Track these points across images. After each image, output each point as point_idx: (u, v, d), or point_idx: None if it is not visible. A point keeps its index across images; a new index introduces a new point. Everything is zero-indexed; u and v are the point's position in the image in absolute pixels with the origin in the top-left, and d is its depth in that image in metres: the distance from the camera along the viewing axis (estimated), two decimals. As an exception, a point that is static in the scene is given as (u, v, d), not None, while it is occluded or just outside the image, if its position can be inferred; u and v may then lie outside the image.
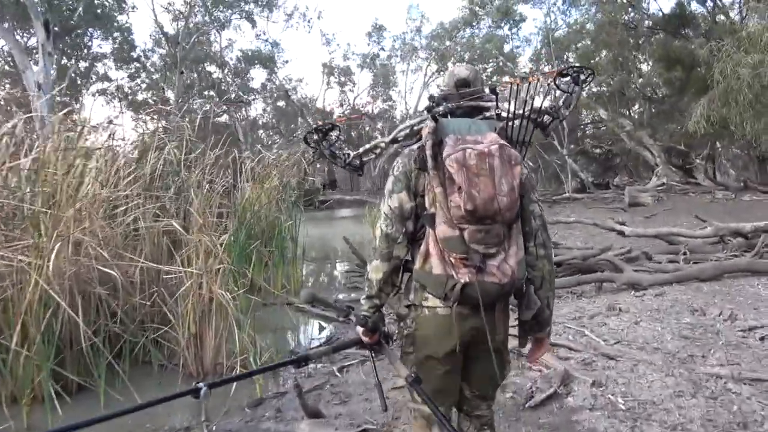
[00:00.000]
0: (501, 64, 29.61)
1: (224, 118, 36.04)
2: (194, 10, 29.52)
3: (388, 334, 1.73)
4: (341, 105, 38.05)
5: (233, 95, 34.41)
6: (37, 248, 3.28)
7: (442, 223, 1.54)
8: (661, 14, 20.50)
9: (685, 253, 6.59)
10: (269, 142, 37.68)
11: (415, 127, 2.00)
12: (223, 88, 34.33)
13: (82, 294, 3.59)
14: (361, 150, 2.23)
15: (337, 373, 3.77)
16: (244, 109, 36.76)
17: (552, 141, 24.42)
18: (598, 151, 28.94)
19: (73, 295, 3.40)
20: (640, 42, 21.69)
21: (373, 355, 1.73)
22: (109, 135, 5.96)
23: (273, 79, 36.10)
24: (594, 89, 24.91)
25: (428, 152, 1.54)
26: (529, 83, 1.77)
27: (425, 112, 1.78)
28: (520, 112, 1.77)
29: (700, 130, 10.74)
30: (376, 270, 1.67)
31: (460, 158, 1.49)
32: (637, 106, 26.26)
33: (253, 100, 37.47)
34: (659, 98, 23.00)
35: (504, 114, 1.74)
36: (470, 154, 1.50)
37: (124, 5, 26.29)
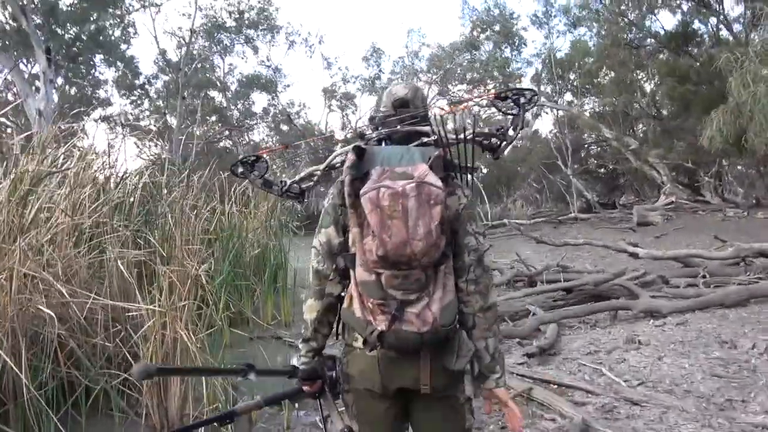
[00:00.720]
0: (502, 85, 29.45)
1: (228, 143, 36.06)
2: (196, 36, 29.63)
3: (335, 379, 1.59)
4: (343, 128, 37.94)
5: (235, 120, 34.42)
6: (-27, 286, 2.88)
7: (360, 265, 1.43)
8: (663, 32, 20.30)
9: (704, 276, 6.12)
10: (272, 166, 37.52)
11: (344, 154, 1.83)
12: (225, 113, 34.35)
13: (31, 336, 3.17)
14: (296, 177, 2.14)
15: (320, 424, 3.32)
16: (246, 133, 36.76)
17: (556, 161, 24.09)
18: (602, 170, 28.60)
19: (17, 338, 2.97)
20: (644, 62, 21.48)
21: (320, 403, 1.61)
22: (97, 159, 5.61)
23: (275, 103, 36.12)
24: (597, 109, 24.69)
25: (346, 188, 1.42)
26: (462, 110, 1.70)
27: (358, 138, 1.64)
28: (461, 136, 1.61)
29: (715, 145, 10.31)
30: (310, 309, 1.58)
31: (374, 198, 1.35)
32: (641, 126, 25.95)
33: (255, 124, 37.50)
34: (664, 116, 22.67)
35: (444, 138, 1.58)
36: (384, 193, 1.35)
37: (127, 32, 26.43)
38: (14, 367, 2.79)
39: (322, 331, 1.59)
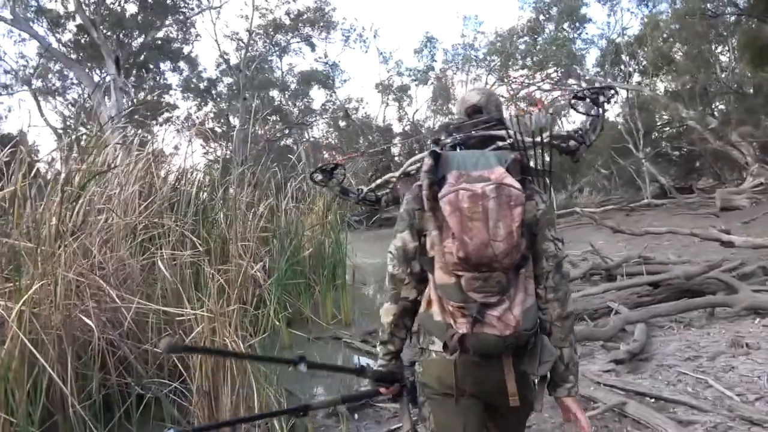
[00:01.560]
0: (562, 68, 28.14)
1: (289, 141, 36.67)
2: (254, 38, 30.19)
3: (413, 386, 1.57)
4: (400, 120, 37.64)
5: (295, 118, 34.91)
6: (18, 292, 2.76)
7: (439, 268, 1.43)
8: (744, -1, 18.57)
9: (816, 267, 5.36)
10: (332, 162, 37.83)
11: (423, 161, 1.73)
12: (285, 112, 34.89)
13: (80, 343, 3.05)
14: (372, 185, 2.20)
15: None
16: (306, 131, 37.22)
17: (626, 144, 22.71)
18: (677, 153, 26.76)
19: (63, 347, 2.84)
20: (723, 33, 19.83)
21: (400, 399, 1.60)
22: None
23: (333, 99, 36.32)
24: (671, 88, 23.03)
25: (425, 192, 1.42)
26: (539, 109, 1.62)
27: (433, 144, 1.59)
28: (538, 139, 1.56)
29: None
30: (386, 313, 1.59)
31: (453, 200, 1.36)
32: (720, 104, 24.01)
33: (314, 121, 37.90)
34: (748, 92, 20.82)
35: (520, 142, 1.56)
36: (463, 196, 1.36)
37: (189, 37, 27.25)
38: (57, 380, 2.65)
39: (398, 335, 1.60)
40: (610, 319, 4.46)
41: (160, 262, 3.81)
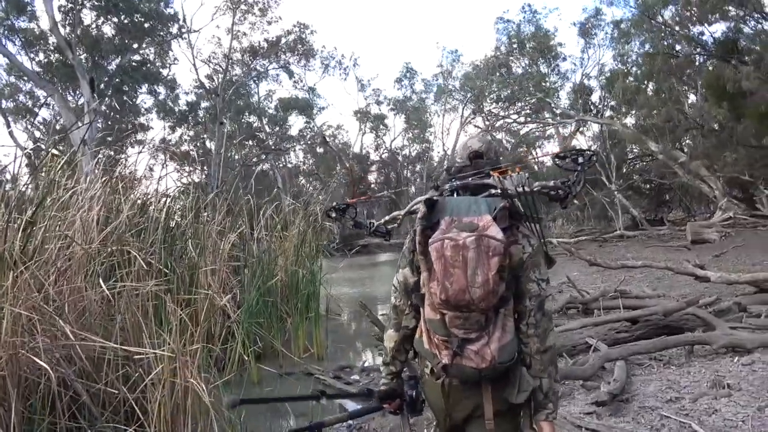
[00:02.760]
0: (538, 101, 28.77)
1: (266, 166, 36.40)
2: (233, 63, 30.13)
3: (414, 398, 1.78)
4: (377, 148, 37.83)
5: (272, 144, 34.74)
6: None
7: (427, 305, 1.60)
8: (711, 41, 19.32)
9: (790, 304, 5.38)
10: (309, 188, 37.82)
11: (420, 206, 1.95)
12: (262, 137, 34.72)
13: (26, 384, 2.80)
14: (382, 221, 2.44)
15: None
16: (283, 156, 37.06)
17: (599, 176, 23.13)
18: (648, 185, 27.37)
19: (6, 389, 2.60)
20: (689, 72, 20.54)
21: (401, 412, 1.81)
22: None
23: (311, 126, 36.35)
24: (642, 122, 23.66)
25: (417, 237, 1.59)
26: (518, 172, 1.75)
27: (433, 190, 1.78)
28: (527, 188, 1.68)
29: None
30: (389, 339, 1.80)
31: (439, 248, 1.51)
32: (688, 139, 24.75)
33: (291, 148, 37.78)
34: (713, 129, 21.52)
35: (510, 190, 1.66)
36: (447, 245, 1.50)
37: (166, 59, 27.04)
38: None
39: (399, 358, 1.81)
40: (589, 356, 4.36)
41: (120, 294, 3.59)
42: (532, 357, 1.62)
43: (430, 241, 1.53)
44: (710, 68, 19.23)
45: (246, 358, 4.70)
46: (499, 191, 1.66)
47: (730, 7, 17.15)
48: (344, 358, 6.18)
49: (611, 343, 4.73)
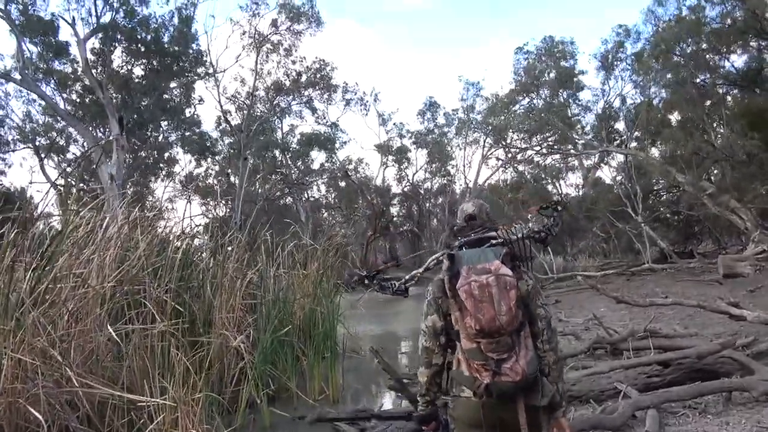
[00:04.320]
0: (560, 133, 28.62)
1: (289, 200, 36.74)
2: (255, 100, 30.81)
3: (446, 422, 2.14)
4: (399, 181, 37.87)
5: (295, 178, 35.12)
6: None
7: (464, 338, 1.97)
8: (734, 71, 19.08)
9: (834, 346, 5.04)
10: (332, 222, 37.94)
11: (440, 258, 2.33)
12: (285, 171, 35.15)
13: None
14: (403, 280, 2.75)
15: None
16: (306, 190, 37.39)
17: (625, 208, 22.69)
18: (676, 217, 26.70)
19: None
20: (715, 102, 20.26)
21: None
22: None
23: (333, 159, 36.69)
24: (667, 153, 23.26)
25: (447, 285, 2.00)
26: (516, 221, 2.24)
27: (445, 248, 2.22)
28: (517, 236, 2.11)
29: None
30: (422, 375, 2.15)
31: (468, 290, 1.91)
32: (715, 170, 24.19)
33: (314, 182, 38.13)
34: (742, 159, 21.04)
35: (506, 238, 2.10)
36: (474, 286, 1.91)
37: (192, 99, 27.81)
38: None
39: (432, 390, 2.15)
40: (618, 403, 4.10)
41: (130, 336, 3.52)
42: (551, 367, 2.05)
43: (457, 286, 1.93)
44: (738, 98, 18.96)
45: (258, 401, 4.56)
46: (498, 240, 2.11)
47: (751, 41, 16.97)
48: (361, 399, 5.98)
49: (642, 388, 4.46)
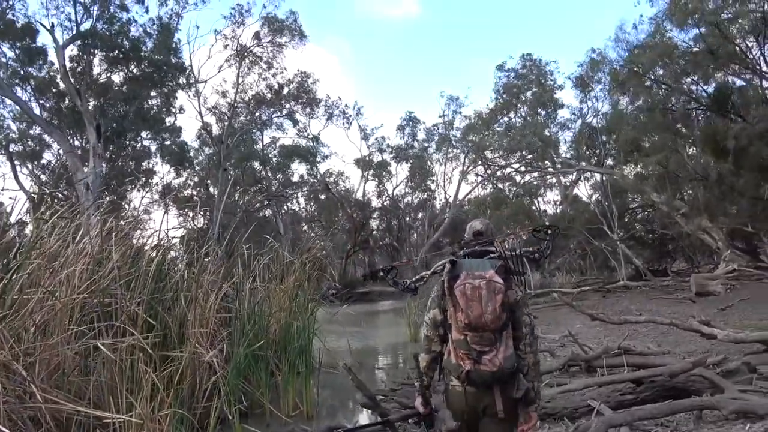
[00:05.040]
0: (539, 151, 29.05)
1: (268, 212, 36.45)
2: (235, 111, 30.66)
3: (435, 407, 2.52)
4: (379, 195, 37.94)
5: (275, 190, 34.92)
6: None
7: (454, 330, 2.35)
8: (705, 95, 19.63)
9: (800, 365, 5.15)
10: (311, 235, 37.71)
11: (445, 264, 2.54)
12: (265, 184, 34.95)
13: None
14: (414, 278, 3.15)
15: None
16: (285, 203, 37.19)
17: (601, 226, 23.05)
18: (651, 236, 27.21)
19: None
20: (686, 124, 20.83)
21: (425, 422, 2.56)
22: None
23: (314, 173, 36.63)
24: (642, 172, 23.74)
25: (446, 284, 2.36)
26: (512, 238, 2.81)
27: (451, 255, 2.52)
28: (512, 253, 2.53)
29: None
30: (422, 360, 2.50)
31: (462, 290, 2.30)
32: (689, 189, 24.76)
33: (294, 194, 37.96)
34: (714, 181, 21.59)
35: (503, 253, 2.52)
36: (468, 287, 2.29)
37: (172, 108, 27.56)
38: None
39: (429, 374, 2.51)
40: (591, 420, 4.13)
41: (99, 350, 3.43)
42: (530, 367, 2.37)
43: (454, 286, 2.30)
44: (706, 123, 19.51)
45: (230, 417, 4.47)
46: (496, 255, 2.47)
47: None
48: (334, 417, 5.91)
49: (615, 405, 4.50)
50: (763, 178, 15.65)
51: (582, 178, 30.75)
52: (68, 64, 21.49)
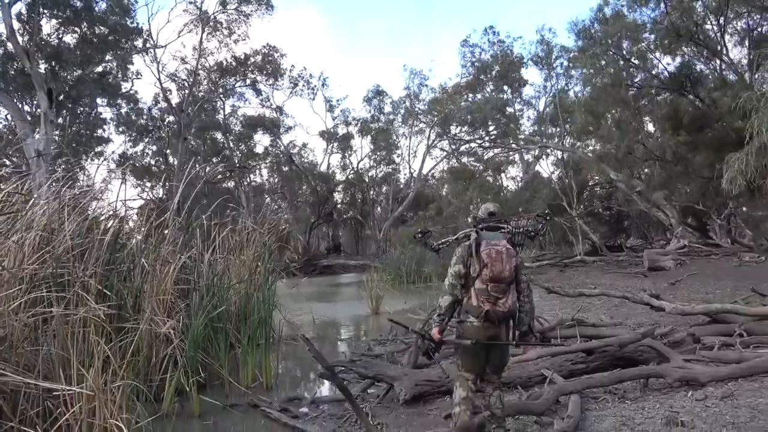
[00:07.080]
0: (502, 127, 29.31)
1: (230, 184, 35.72)
2: (196, 79, 29.70)
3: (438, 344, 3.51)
4: (344, 169, 37.69)
5: (237, 161, 34.22)
6: None
7: (478, 282, 3.31)
8: (666, 74, 20.06)
9: (741, 335, 5.43)
10: (274, 207, 37.27)
11: (467, 233, 3.54)
12: (227, 154, 34.18)
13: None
14: (441, 241, 4.11)
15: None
16: (248, 174, 36.53)
17: (561, 202, 23.57)
18: (608, 212, 28.02)
19: None
20: (645, 103, 21.28)
21: (437, 348, 3.53)
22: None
23: (277, 144, 36.01)
24: (601, 151, 24.27)
25: (473, 248, 3.37)
26: (519, 219, 4.05)
27: (473, 227, 3.58)
28: (517, 230, 3.66)
29: (736, 187, 9.74)
30: (445, 301, 3.39)
31: (488, 253, 3.31)
32: (645, 168, 25.49)
33: (256, 166, 37.29)
34: (669, 159, 22.26)
35: (512, 230, 3.61)
36: (492, 251, 3.31)
37: (129, 73, 26.47)
38: None
39: (448, 313, 3.40)
40: (544, 389, 4.28)
41: (47, 322, 3.32)
42: (526, 312, 3.42)
43: (482, 249, 3.31)
44: (666, 101, 19.98)
45: (188, 389, 4.43)
46: (506, 230, 3.52)
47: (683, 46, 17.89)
48: (295, 388, 5.94)
49: (567, 374, 4.67)
50: (717, 158, 16.24)
51: (543, 155, 31.27)
52: (16, 25, 20.26)
